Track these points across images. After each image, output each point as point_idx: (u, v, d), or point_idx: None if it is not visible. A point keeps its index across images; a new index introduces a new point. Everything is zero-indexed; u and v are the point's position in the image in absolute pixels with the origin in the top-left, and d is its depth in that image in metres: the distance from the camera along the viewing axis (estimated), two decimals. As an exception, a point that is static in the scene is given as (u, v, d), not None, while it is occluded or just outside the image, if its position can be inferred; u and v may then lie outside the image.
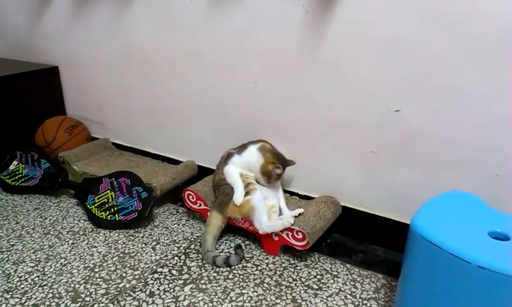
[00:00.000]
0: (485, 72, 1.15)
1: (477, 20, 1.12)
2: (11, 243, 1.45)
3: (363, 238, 1.49)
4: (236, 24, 1.51)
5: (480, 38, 1.13)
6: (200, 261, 1.37)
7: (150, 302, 1.19)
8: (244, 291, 1.23)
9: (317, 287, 1.26)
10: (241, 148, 1.51)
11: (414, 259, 1.00)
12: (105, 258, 1.37)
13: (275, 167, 1.42)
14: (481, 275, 0.84)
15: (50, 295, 1.21)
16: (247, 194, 1.40)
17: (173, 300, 1.20)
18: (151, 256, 1.39)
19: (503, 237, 0.94)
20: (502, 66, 1.13)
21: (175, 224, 1.59)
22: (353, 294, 1.24)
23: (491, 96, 1.16)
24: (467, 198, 1.08)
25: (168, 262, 1.36)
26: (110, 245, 1.45)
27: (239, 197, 1.40)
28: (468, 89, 1.18)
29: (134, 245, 1.45)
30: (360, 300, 1.22)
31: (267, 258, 1.39)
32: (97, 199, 1.61)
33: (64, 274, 1.30)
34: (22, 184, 1.78)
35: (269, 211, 1.40)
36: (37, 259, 1.37)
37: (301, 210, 1.41)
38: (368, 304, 1.20)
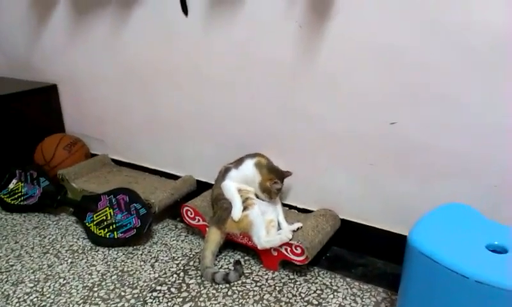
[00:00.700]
0: (482, 82, 1.15)
1: (472, 31, 1.13)
2: (10, 263, 1.44)
3: (363, 251, 1.48)
4: (233, 39, 1.51)
5: (476, 48, 1.13)
6: (198, 278, 1.36)
7: (148, 322, 1.18)
8: (243, 308, 1.23)
9: (316, 302, 1.25)
10: (238, 162, 1.51)
11: (412, 274, 0.99)
12: (104, 277, 1.37)
13: (273, 183, 1.42)
14: (479, 289, 0.84)
15: (48, 316, 1.21)
16: (245, 209, 1.40)
17: (172, 318, 1.19)
18: (150, 274, 1.39)
19: (501, 250, 0.93)
20: (498, 76, 1.13)
21: (173, 240, 1.58)
22: (353, 309, 1.23)
23: (488, 106, 1.16)
24: (464, 210, 1.07)
25: (166, 280, 1.35)
26: (109, 263, 1.44)
27: (237, 212, 1.39)
28: (465, 99, 1.18)
29: (132, 263, 1.44)
30: (360, 314, 1.21)
31: (266, 274, 1.38)
32: (96, 216, 1.61)
33: (63, 294, 1.29)
34: (22, 203, 1.78)
35: (268, 226, 1.39)
36: (36, 279, 1.36)
37: (299, 224, 1.41)
38: (369, 319, 1.19)
